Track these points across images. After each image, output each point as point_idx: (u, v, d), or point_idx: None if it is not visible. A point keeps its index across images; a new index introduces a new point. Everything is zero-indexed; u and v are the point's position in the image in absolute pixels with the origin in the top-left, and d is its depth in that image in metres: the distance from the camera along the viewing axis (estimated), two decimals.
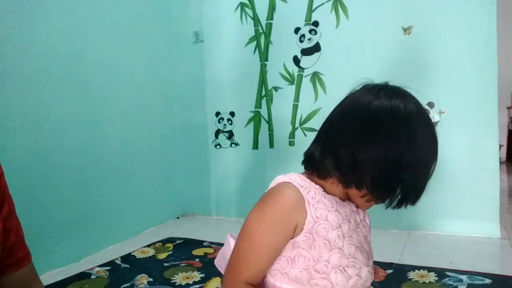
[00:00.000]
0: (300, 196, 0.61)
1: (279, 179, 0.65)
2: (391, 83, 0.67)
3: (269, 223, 0.59)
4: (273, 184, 0.65)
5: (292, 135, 2.14)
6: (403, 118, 0.59)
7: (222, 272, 0.70)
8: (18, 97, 1.47)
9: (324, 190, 0.65)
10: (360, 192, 0.62)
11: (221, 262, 0.73)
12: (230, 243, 0.68)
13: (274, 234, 0.59)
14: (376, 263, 1.45)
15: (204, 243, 1.85)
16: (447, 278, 1.33)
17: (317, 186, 0.64)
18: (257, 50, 2.21)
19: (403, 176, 0.58)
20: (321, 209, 0.61)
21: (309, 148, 0.67)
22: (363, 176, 0.59)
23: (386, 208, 0.61)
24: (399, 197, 0.60)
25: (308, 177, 0.66)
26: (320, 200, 0.62)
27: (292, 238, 0.60)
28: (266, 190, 0.66)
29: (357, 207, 0.68)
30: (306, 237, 0.60)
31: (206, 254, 1.70)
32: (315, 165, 0.65)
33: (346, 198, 0.67)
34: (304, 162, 0.68)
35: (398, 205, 0.61)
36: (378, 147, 0.58)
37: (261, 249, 0.59)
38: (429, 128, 0.61)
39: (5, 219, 0.64)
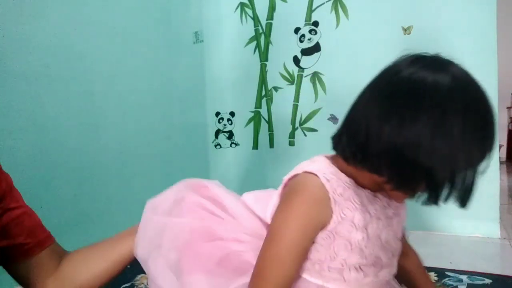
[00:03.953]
0: (326, 194, 0.55)
1: (304, 166, 0.58)
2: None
3: (298, 226, 0.54)
4: (296, 171, 0.59)
5: (292, 135, 2.14)
6: (429, 93, 0.48)
7: (250, 206, 0.68)
8: (18, 97, 1.47)
9: (356, 181, 0.58)
10: (380, 179, 0.53)
11: (250, 199, 0.69)
12: (272, 194, 0.64)
13: (303, 236, 0.54)
14: None
15: None
16: (447, 278, 1.32)
17: (348, 179, 0.58)
18: (257, 50, 2.21)
19: (424, 166, 0.48)
20: (349, 209, 0.55)
21: (338, 128, 0.59)
22: (377, 157, 0.51)
23: (422, 204, 0.54)
24: (429, 191, 0.52)
25: (338, 165, 0.59)
26: (349, 197, 0.56)
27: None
28: (287, 177, 0.60)
29: (390, 198, 0.61)
30: (327, 236, 0.56)
31: None
32: (339, 147, 0.57)
33: (378, 188, 0.58)
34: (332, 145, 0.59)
35: (430, 201, 0.53)
36: (394, 123, 0.48)
37: (291, 254, 0.54)
38: (476, 115, 0.48)
39: (12, 208, 0.66)
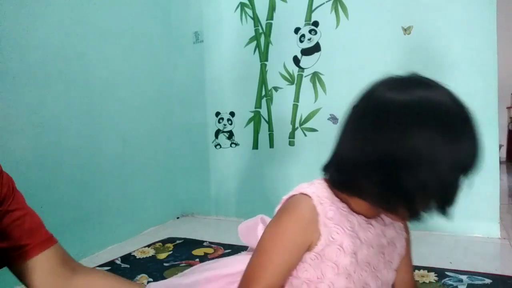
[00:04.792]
0: (315, 216, 0.56)
1: (302, 188, 0.60)
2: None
3: (283, 241, 0.57)
4: (295, 191, 0.61)
5: (292, 135, 2.14)
6: (396, 109, 0.51)
7: (242, 239, 0.71)
8: (18, 97, 1.47)
9: (350, 207, 0.59)
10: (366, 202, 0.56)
11: (244, 232, 0.72)
12: (259, 221, 0.67)
13: (288, 252, 0.57)
14: None
15: (204, 243, 1.85)
16: (447, 278, 1.32)
17: (341, 204, 0.59)
18: (257, 50, 2.21)
19: (397, 184, 0.49)
20: (338, 233, 0.57)
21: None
22: (355, 181, 0.54)
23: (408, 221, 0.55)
24: (408, 209, 0.53)
25: (335, 190, 0.60)
26: (340, 221, 0.57)
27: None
28: (285, 197, 0.62)
29: (385, 224, 0.63)
30: (315, 256, 0.58)
31: (206, 254, 1.70)
32: (328, 173, 0.60)
33: (373, 214, 0.61)
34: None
35: (412, 218, 0.54)
36: (363, 145, 0.52)
37: (274, 266, 0.56)
38: (438, 123, 0.49)
39: (13, 210, 0.67)
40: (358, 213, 0.60)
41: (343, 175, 0.56)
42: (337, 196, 0.60)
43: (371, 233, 0.60)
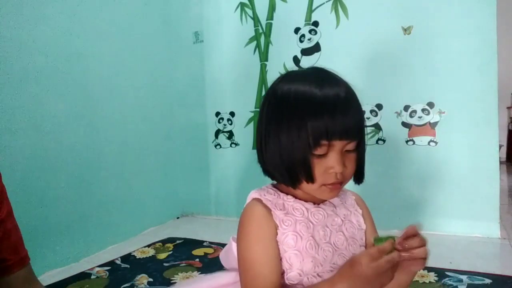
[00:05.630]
0: (268, 211, 0.63)
1: (251, 195, 0.68)
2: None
3: (255, 240, 0.61)
4: (248, 199, 0.68)
5: None
6: (278, 98, 0.61)
7: (225, 266, 0.74)
8: (18, 97, 1.47)
9: (297, 197, 0.65)
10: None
11: (224, 259, 0.76)
12: (232, 240, 0.70)
13: (264, 245, 0.61)
14: None
15: (204, 243, 1.85)
16: (447, 278, 1.33)
17: (288, 197, 0.65)
18: (257, 50, 2.21)
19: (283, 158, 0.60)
20: (290, 220, 0.62)
21: None
22: (264, 166, 0.65)
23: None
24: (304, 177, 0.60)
25: (279, 188, 0.67)
26: (289, 211, 0.63)
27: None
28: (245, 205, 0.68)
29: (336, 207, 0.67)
30: (280, 248, 0.61)
31: (206, 254, 1.70)
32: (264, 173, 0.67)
33: (316, 198, 0.65)
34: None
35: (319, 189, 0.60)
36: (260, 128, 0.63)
37: (261, 265, 0.60)
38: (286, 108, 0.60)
39: (5, 220, 0.65)
40: (306, 201, 0.65)
41: (265, 169, 0.65)
42: (282, 191, 0.66)
43: (321, 215, 0.64)
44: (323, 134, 0.57)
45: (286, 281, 0.61)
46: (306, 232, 0.62)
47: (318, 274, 0.61)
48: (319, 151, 0.58)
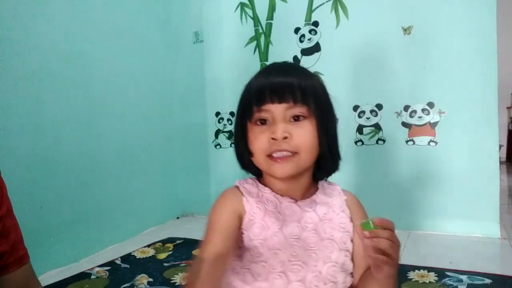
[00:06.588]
0: (239, 194, 0.64)
1: (236, 182, 0.69)
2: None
3: (218, 208, 0.63)
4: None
5: None
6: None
7: None
8: (18, 97, 1.47)
9: (273, 191, 0.64)
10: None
11: None
12: None
13: (223, 214, 0.61)
14: None
15: None
16: (447, 278, 1.33)
17: (265, 188, 0.65)
18: (257, 50, 2.21)
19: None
20: (259, 208, 0.61)
21: None
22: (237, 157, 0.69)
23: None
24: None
25: (260, 181, 0.67)
26: (262, 200, 0.63)
27: (239, 229, 0.62)
28: None
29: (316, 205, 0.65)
30: (244, 236, 0.61)
31: None
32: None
33: (300, 194, 0.65)
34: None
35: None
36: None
37: (215, 229, 0.60)
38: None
39: (4, 217, 0.65)
40: (282, 195, 0.64)
41: (240, 164, 0.68)
42: (262, 183, 0.67)
43: (295, 210, 0.62)
44: (253, 98, 0.59)
45: (251, 274, 0.59)
46: (274, 224, 0.60)
47: (284, 273, 0.58)
48: (256, 117, 0.60)
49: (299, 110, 0.58)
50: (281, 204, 0.63)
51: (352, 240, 0.65)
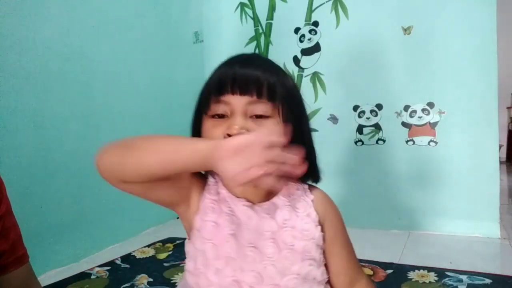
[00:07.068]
0: (202, 187, 0.59)
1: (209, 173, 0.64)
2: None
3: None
4: None
5: None
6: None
7: None
8: (18, 97, 1.47)
9: (234, 195, 0.58)
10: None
11: None
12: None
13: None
14: (376, 263, 1.45)
15: None
16: (447, 278, 1.32)
17: (226, 192, 0.58)
18: (257, 50, 2.21)
19: None
20: (213, 208, 0.56)
21: None
22: None
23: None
24: None
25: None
26: (219, 201, 0.56)
27: (186, 210, 0.58)
28: None
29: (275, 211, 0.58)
30: (198, 239, 0.56)
31: None
32: None
33: (259, 198, 0.58)
34: None
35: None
36: None
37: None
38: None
39: (3, 217, 0.65)
40: (238, 197, 0.57)
41: None
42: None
43: (251, 216, 0.56)
44: (212, 87, 0.54)
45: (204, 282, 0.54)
46: (227, 228, 0.54)
47: (237, 280, 0.53)
48: (212, 110, 0.54)
49: (263, 107, 0.52)
50: (237, 208, 0.56)
51: (322, 247, 0.59)
